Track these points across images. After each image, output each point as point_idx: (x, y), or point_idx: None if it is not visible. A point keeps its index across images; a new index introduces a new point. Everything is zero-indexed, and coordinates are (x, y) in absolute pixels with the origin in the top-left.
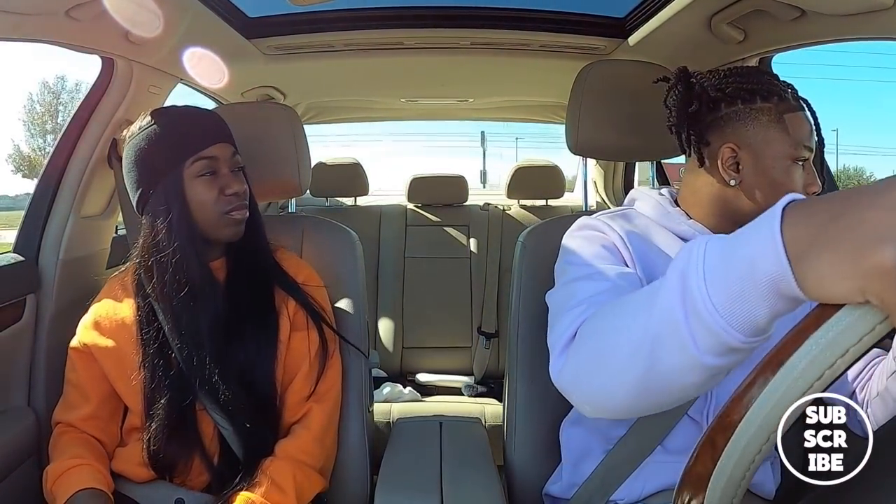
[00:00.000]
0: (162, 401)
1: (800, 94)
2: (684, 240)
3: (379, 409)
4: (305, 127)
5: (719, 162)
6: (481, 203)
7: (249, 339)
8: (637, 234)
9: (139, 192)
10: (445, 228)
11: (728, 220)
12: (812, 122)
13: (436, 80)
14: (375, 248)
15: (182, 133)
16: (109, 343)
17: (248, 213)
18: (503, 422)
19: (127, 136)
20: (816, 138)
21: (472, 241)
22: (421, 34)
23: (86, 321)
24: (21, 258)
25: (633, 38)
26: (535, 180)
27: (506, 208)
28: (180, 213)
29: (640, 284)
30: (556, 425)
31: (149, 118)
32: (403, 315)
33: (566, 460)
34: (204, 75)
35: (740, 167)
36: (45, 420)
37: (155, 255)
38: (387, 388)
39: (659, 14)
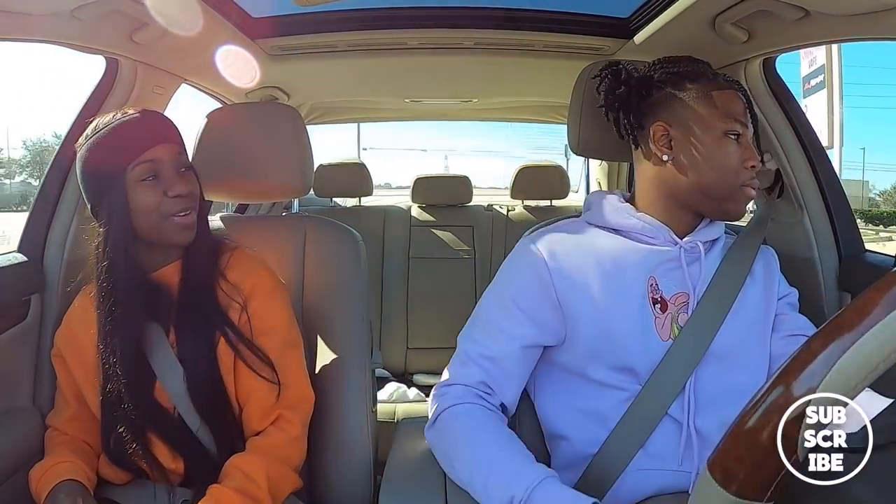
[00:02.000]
0: (114, 403)
1: (731, 78)
2: (633, 235)
3: (382, 409)
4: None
5: (651, 141)
6: (485, 204)
7: (187, 341)
8: (568, 252)
9: (91, 201)
10: (449, 229)
11: (671, 201)
12: (745, 101)
13: (439, 80)
14: (380, 249)
15: (121, 138)
16: (78, 349)
17: (195, 217)
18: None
19: (77, 147)
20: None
21: (476, 242)
22: (424, 35)
23: (61, 328)
24: (26, 258)
25: (637, 39)
26: (538, 181)
27: (510, 209)
28: (119, 223)
29: (526, 349)
30: None
31: (91, 127)
32: (408, 315)
33: (553, 468)
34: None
35: (672, 143)
36: None
37: (97, 264)
38: (391, 389)
39: (662, 14)
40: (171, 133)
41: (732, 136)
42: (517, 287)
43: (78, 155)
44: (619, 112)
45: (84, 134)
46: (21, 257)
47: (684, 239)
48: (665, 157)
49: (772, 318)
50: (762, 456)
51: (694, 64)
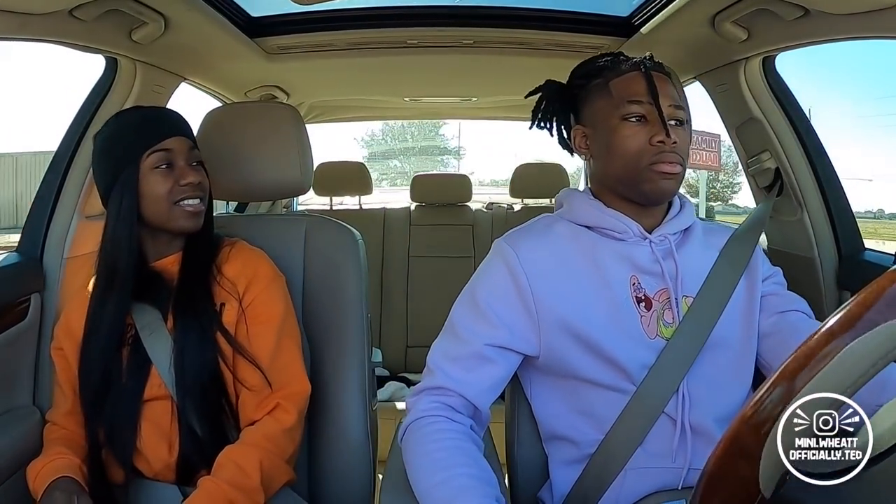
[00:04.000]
0: (109, 395)
1: (642, 58)
2: (605, 231)
3: (382, 407)
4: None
5: (575, 145)
6: (485, 203)
7: (183, 329)
8: (545, 254)
9: (104, 187)
10: (449, 228)
11: (613, 195)
12: (646, 78)
13: (439, 79)
14: (380, 248)
15: (139, 127)
16: (76, 341)
17: (203, 207)
18: (506, 421)
19: (94, 137)
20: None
21: (476, 241)
22: (424, 33)
23: (60, 321)
24: (25, 258)
25: (637, 37)
26: (537, 180)
27: (509, 208)
28: (128, 208)
29: (495, 349)
30: None
31: (112, 117)
32: (408, 314)
33: (552, 470)
34: None
35: (588, 142)
36: None
37: (102, 247)
38: (391, 388)
39: (663, 12)
40: (186, 129)
41: (633, 119)
42: (490, 289)
43: (95, 143)
44: (550, 126)
45: (105, 124)
46: (20, 257)
47: (653, 233)
48: (583, 157)
49: (756, 307)
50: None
51: (601, 58)
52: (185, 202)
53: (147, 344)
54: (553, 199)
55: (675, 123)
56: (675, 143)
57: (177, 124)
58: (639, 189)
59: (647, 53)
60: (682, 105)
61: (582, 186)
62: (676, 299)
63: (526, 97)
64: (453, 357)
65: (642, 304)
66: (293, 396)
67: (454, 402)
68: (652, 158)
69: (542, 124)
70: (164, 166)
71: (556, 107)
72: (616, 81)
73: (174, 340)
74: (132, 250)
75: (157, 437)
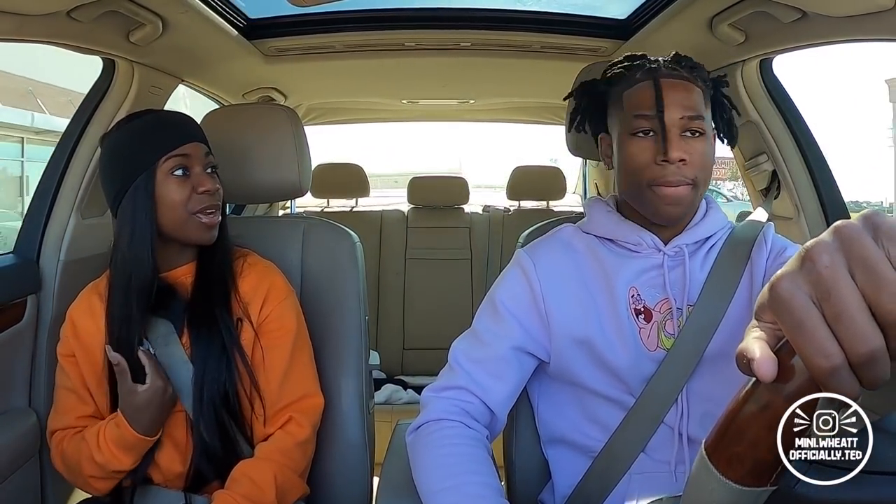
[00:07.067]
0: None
1: (661, 61)
2: (620, 243)
3: (379, 410)
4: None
5: (601, 153)
6: (482, 205)
7: (200, 343)
8: (558, 265)
9: (114, 191)
10: (446, 230)
11: (630, 208)
12: (655, 89)
13: (436, 81)
14: (377, 250)
15: (155, 131)
16: (87, 348)
17: (219, 218)
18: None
19: (101, 139)
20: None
21: (473, 243)
22: (421, 35)
23: (65, 328)
24: (21, 259)
25: (635, 40)
26: (534, 182)
27: (506, 210)
28: (144, 216)
29: (515, 352)
30: None
31: (125, 119)
32: (404, 316)
33: (554, 473)
34: None
35: (611, 152)
36: (46, 421)
37: (116, 257)
38: (387, 390)
39: (660, 15)
40: (201, 134)
41: (640, 135)
42: (508, 292)
43: (105, 143)
44: (583, 127)
45: (115, 124)
46: (17, 258)
47: (668, 244)
48: (609, 167)
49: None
50: (763, 449)
51: (627, 62)
52: (202, 215)
53: (161, 359)
54: (549, 203)
55: (691, 135)
56: (682, 160)
57: (194, 129)
58: (642, 209)
59: (672, 53)
60: (701, 114)
61: (581, 189)
62: (680, 309)
63: (564, 99)
64: (476, 359)
65: (641, 317)
66: (307, 410)
67: (473, 408)
68: (651, 179)
69: (580, 128)
70: (180, 172)
71: (588, 111)
72: (628, 93)
73: (193, 359)
74: (151, 262)
75: (172, 448)
